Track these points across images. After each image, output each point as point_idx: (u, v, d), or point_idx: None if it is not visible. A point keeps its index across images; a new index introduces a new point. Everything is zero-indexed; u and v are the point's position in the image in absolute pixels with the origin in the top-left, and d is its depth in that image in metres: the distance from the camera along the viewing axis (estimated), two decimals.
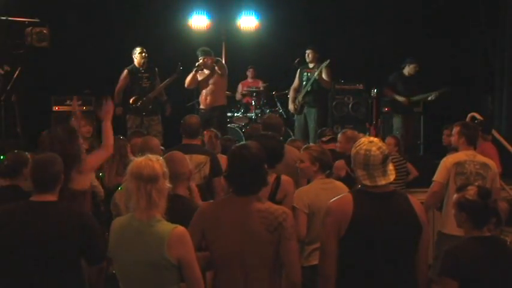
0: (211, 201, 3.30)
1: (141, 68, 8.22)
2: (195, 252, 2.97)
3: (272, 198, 4.02)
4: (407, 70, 8.90)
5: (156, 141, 4.89)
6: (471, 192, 3.21)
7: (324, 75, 8.53)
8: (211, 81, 8.08)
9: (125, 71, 8.21)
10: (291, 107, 8.90)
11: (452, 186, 4.98)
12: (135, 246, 2.91)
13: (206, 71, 8.09)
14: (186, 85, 8.18)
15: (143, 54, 8.18)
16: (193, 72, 8.03)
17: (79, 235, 3.25)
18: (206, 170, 5.09)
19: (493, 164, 5.24)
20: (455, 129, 5.32)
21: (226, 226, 3.13)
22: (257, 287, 3.13)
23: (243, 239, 3.10)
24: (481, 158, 5.24)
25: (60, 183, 3.38)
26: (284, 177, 4.27)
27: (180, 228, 2.93)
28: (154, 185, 2.91)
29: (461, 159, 5.13)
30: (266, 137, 4.39)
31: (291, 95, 8.91)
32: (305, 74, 8.72)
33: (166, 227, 2.92)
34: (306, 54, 8.72)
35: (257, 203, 3.17)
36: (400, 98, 8.87)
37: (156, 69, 8.37)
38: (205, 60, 7.95)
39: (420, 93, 8.91)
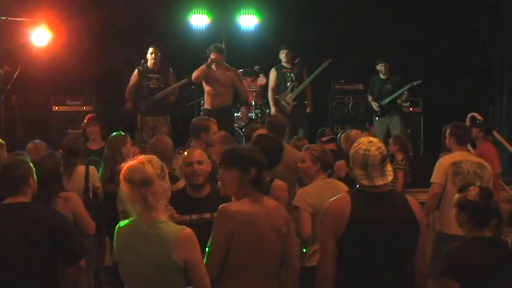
0: (233, 203, 3.16)
1: (152, 68, 8.03)
2: (202, 256, 2.95)
3: None
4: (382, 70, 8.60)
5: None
6: (473, 192, 3.21)
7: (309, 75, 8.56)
8: (220, 82, 7.91)
9: (136, 70, 7.99)
10: (273, 109, 8.58)
11: (451, 185, 5.00)
12: (141, 249, 2.87)
13: (215, 68, 7.96)
14: (193, 78, 7.93)
15: (153, 54, 7.99)
16: (204, 66, 7.79)
17: (52, 236, 3.27)
18: None
19: (488, 165, 5.25)
20: (447, 130, 5.35)
21: (259, 225, 3.09)
22: (271, 284, 3.16)
23: (272, 236, 3.12)
24: (476, 158, 5.26)
25: (29, 186, 3.40)
26: (276, 183, 4.19)
27: (187, 230, 2.88)
28: (148, 188, 2.85)
29: (457, 158, 5.14)
30: (265, 138, 4.40)
31: (271, 97, 8.65)
32: (287, 74, 8.61)
33: (172, 228, 2.88)
34: (283, 54, 8.63)
35: (269, 200, 3.23)
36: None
37: (171, 69, 8.20)
38: (216, 57, 7.80)
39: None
